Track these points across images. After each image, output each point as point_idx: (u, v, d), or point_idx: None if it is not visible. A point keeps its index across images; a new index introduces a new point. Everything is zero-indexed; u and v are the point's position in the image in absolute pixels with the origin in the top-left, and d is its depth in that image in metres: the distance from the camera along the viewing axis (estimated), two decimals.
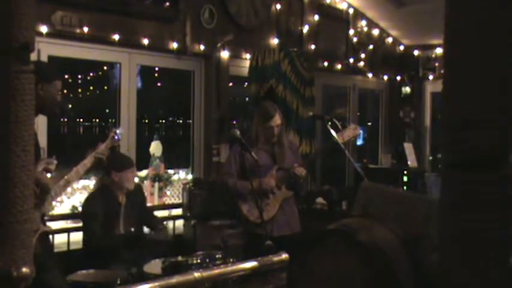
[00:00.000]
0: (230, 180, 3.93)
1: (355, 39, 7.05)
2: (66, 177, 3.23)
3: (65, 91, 5.72)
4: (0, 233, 1.16)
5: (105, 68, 5.25)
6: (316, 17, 6.47)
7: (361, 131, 4.23)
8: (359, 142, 7.63)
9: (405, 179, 6.65)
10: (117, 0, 4.52)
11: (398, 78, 7.89)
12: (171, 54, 5.09)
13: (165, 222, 4.97)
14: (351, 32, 6.99)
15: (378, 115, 8.00)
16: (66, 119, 6.84)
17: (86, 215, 4.04)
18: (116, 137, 3.56)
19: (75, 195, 4.90)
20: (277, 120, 3.95)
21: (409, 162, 6.94)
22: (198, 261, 2.91)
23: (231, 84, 5.72)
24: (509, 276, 0.97)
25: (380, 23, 7.32)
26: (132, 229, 4.07)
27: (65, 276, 3.24)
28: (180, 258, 2.97)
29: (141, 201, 4.32)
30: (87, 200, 4.08)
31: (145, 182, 5.22)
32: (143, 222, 4.22)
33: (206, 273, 1.97)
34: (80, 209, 4.54)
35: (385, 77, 7.78)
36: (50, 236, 3.62)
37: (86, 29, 4.35)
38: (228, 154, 4.53)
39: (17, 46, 1.16)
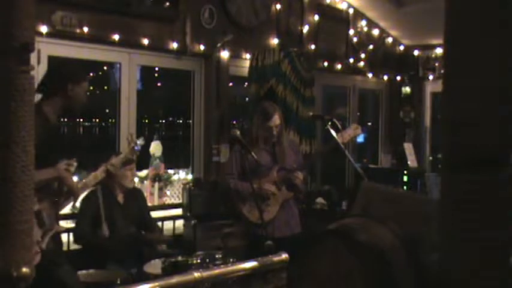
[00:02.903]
0: (231, 181, 3.93)
1: (355, 39, 7.05)
2: (84, 180, 3.25)
3: None
4: (0, 233, 1.16)
5: (105, 68, 5.26)
6: (316, 17, 6.47)
7: (362, 131, 4.23)
8: (359, 140, 7.64)
9: (405, 179, 6.65)
10: (117, 0, 4.52)
11: (398, 78, 7.89)
12: (171, 54, 5.09)
13: (165, 222, 4.99)
14: (351, 32, 6.99)
15: (378, 115, 8.00)
16: (66, 119, 6.84)
17: (79, 212, 4.06)
18: (136, 148, 3.61)
19: None
20: (276, 120, 3.94)
21: (409, 162, 6.94)
22: (198, 261, 2.91)
23: (231, 84, 5.72)
24: (509, 276, 0.97)
25: (380, 23, 7.32)
26: (132, 229, 4.08)
27: (76, 272, 3.26)
28: (180, 258, 2.97)
29: (141, 204, 4.32)
30: (85, 198, 4.08)
31: (145, 182, 5.22)
32: (142, 224, 4.23)
33: (206, 273, 1.97)
34: None
35: (385, 77, 7.77)
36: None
37: (86, 29, 4.35)
38: (229, 155, 4.53)
39: (17, 46, 1.16)
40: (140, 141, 3.62)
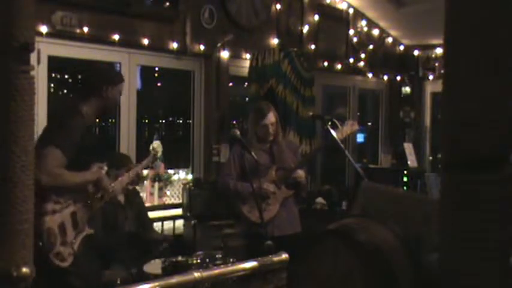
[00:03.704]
0: (231, 182, 3.93)
1: (355, 39, 7.04)
2: (112, 184, 3.24)
3: (65, 91, 5.72)
4: (0, 233, 1.16)
5: None
6: (316, 17, 6.47)
7: (360, 127, 4.22)
8: (359, 140, 7.64)
9: (405, 179, 6.65)
10: (117, 0, 4.52)
11: (398, 78, 7.89)
12: (171, 54, 5.09)
13: (165, 222, 4.99)
14: (351, 32, 6.99)
15: (378, 115, 8.00)
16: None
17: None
18: (155, 157, 3.65)
19: None
20: (271, 118, 3.94)
21: (409, 162, 6.94)
22: (198, 261, 2.91)
23: (231, 84, 5.72)
24: (509, 276, 0.97)
25: (380, 23, 7.32)
26: (132, 229, 4.08)
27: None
28: (180, 258, 2.97)
29: (141, 206, 4.32)
30: None
31: (145, 182, 5.22)
32: (141, 223, 4.23)
33: (206, 273, 1.97)
34: None
35: (385, 77, 7.77)
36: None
37: (86, 29, 4.35)
38: (228, 155, 4.53)
39: (17, 46, 1.16)
40: (154, 145, 3.67)
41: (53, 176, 2.77)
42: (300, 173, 3.94)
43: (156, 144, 4.81)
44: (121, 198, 4.13)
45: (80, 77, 3.35)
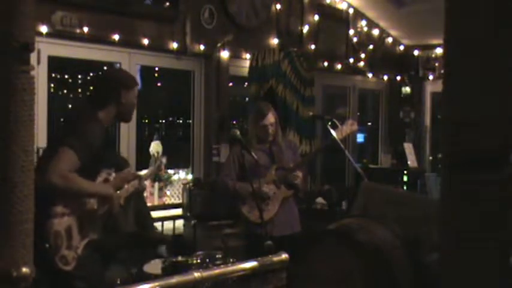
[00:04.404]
0: (229, 182, 3.94)
1: (355, 39, 7.05)
2: (118, 192, 3.21)
3: (65, 91, 5.72)
4: (0, 233, 1.16)
5: (105, 68, 5.25)
6: (316, 17, 6.47)
7: (359, 126, 4.22)
8: (359, 140, 7.64)
9: (405, 179, 6.65)
10: (117, 0, 4.52)
11: (398, 78, 7.89)
12: (171, 54, 5.09)
13: (165, 222, 4.99)
14: (351, 32, 6.99)
15: (378, 115, 8.00)
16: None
17: None
18: (163, 166, 3.66)
19: None
20: (270, 118, 3.95)
21: (409, 162, 6.95)
22: (198, 261, 2.90)
23: (231, 84, 5.72)
24: (509, 276, 0.97)
25: (380, 23, 7.32)
26: (132, 229, 4.07)
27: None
28: (180, 258, 2.97)
29: (141, 205, 4.32)
30: None
31: (145, 182, 5.21)
32: (141, 223, 4.23)
33: (206, 273, 1.97)
34: None
35: (385, 77, 7.77)
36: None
37: (86, 29, 4.35)
38: (228, 155, 4.53)
39: (17, 46, 1.16)
40: (165, 160, 3.68)
41: (65, 178, 2.74)
42: (299, 174, 3.94)
43: (156, 145, 4.81)
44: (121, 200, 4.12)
45: (94, 84, 3.29)
